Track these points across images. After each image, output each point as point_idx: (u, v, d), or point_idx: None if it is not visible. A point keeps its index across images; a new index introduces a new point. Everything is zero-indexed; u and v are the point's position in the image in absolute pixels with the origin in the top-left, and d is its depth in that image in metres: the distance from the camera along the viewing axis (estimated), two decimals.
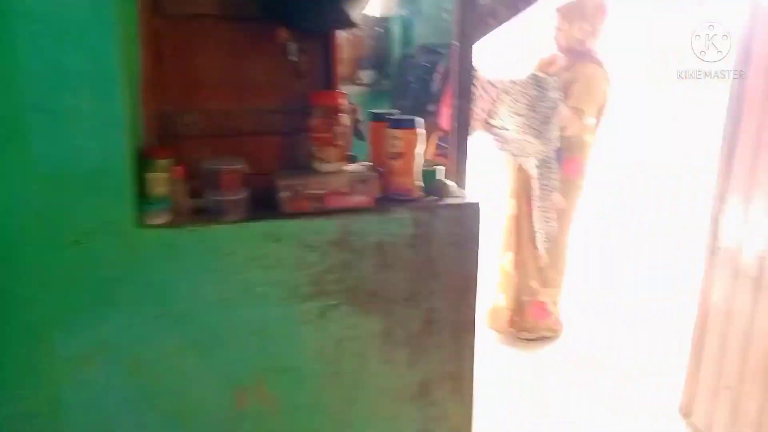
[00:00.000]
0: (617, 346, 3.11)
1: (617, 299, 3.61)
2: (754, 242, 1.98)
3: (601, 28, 2.90)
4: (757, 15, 1.91)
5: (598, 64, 2.92)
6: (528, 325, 3.16)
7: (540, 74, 2.65)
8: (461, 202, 1.57)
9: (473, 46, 1.67)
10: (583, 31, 2.87)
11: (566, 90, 2.82)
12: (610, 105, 2.94)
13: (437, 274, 1.56)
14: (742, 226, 2.03)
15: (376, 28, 2.84)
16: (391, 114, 1.59)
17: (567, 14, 2.86)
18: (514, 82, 2.59)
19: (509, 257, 3.13)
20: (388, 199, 1.53)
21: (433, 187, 1.59)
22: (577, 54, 2.92)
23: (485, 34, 1.81)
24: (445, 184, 1.60)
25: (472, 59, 1.69)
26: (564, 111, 2.72)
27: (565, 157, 2.92)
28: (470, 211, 1.57)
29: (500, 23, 1.82)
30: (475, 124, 2.70)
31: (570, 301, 3.34)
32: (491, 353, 3.05)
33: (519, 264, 3.11)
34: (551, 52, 2.98)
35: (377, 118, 1.61)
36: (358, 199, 1.47)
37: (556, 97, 2.60)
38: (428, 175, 1.59)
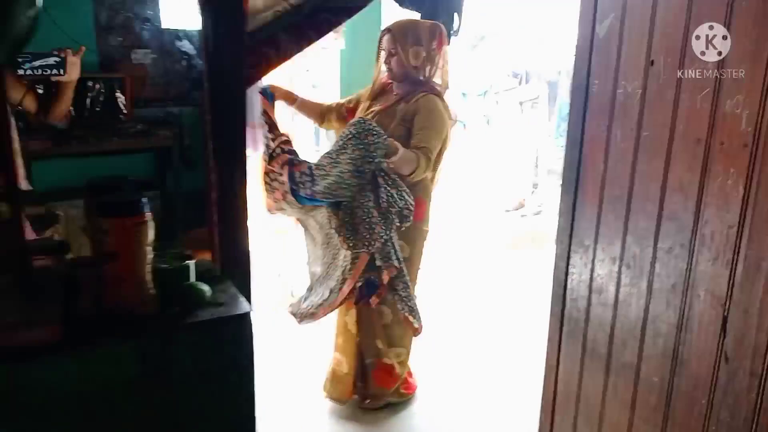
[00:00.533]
0: (473, 411, 2.79)
1: (472, 355, 3.30)
2: (603, 313, 1.70)
3: (439, 55, 2.56)
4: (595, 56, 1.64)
5: (438, 95, 2.57)
6: (372, 391, 2.75)
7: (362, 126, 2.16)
8: (221, 316, 1.09)
9: (245, 88, 1.21)
10: (418, 57, 2.51)
11: (405, 124, 2.45)
12: (451, 140, 2.61)
13: (183, 428, 1.06)
14: (588, 293, 1.75)
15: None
16: (109, 189, 1.07)
17: (398, 36, 2.48)
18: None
19: (351, 314, 2.69)
20: (101, 319, 1.01)
21: (178, 294, 1.09)
22: (413, 82, 2.56)
23: (264, 71, 1.35)
24: (197, 288, 1.10)
25: (244, 105, 1.22)
26: (407, 155, 2.30)
27: None
28: (235, 328, 1.09)
29: (285, 56, 1.37)
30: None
31: (420, 360, 2.99)
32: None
33: (362, 322, 2.68)
34: (381, 79, 2.61)
35: (91, 189, 1.09)
36: (34, 334, 0.93)
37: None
38: (171, 276, 1.09)
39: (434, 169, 2.70)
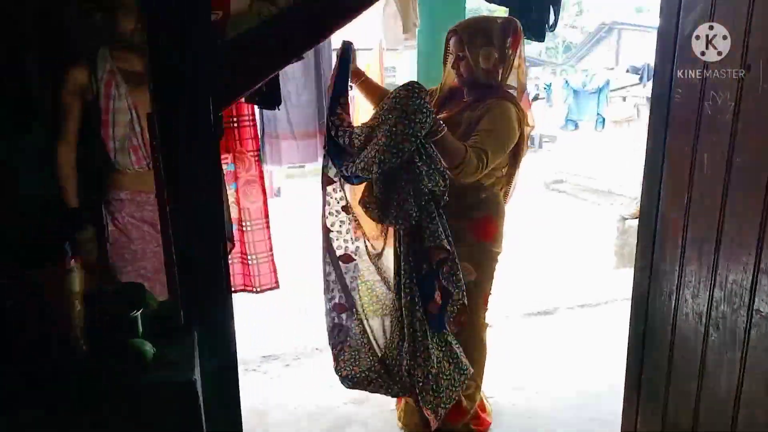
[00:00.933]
0: None
1: (561, 393, 2.92)
2: (686, 382, 1.35)
3: (514, 54, 2.26)
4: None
5: (511, 100, 2.27)
6: (441, 425, 2.52)
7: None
8: (156, 383, 0.93)
9: (221, 106, 1.06)
10: (489, 59, 2.22)
11: (470, 132, 2.19)
12: (525, 151, 2.30)
13: None
14: (668, 353, 1.40)
15: None
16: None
17: (466, 37, 2.21)
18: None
19: None
20: (17, 382, 0.90)
21: (116, 353, 0.96)
22: (485, 88, 2.28)
23: (250, 85, 1.18)
24: (137, 348, 0.96)
25: (212, 126, 1.06)
26: (452, 143, 2.04)
27: (475, 217, 2.28)
28: (175, 397, 0.94)
29: (275, 66, 1.18)
30: None
31: (499, 392, 2.71)
32: None
33: None
34: (451, 84, 2.36)
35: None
36: None
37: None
38: (109, 331, 0.97)
39: (507, 183, 2.41)
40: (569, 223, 6.59)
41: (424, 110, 1.82)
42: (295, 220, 6.92)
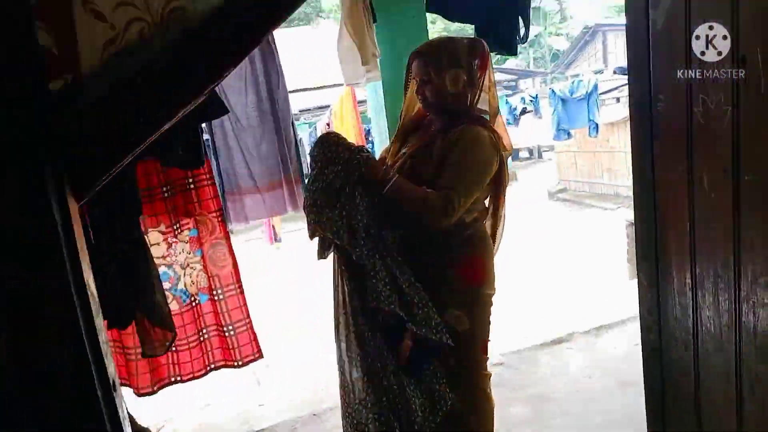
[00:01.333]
0: None
1: (568, 428, 2.61)
2: None
3: (483, 76, 2.04)
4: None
5: (485, 126, 2.03)
6: None
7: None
8: None
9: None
10: (458, 82, 1.99)
11: (441, 162, 1.95)
12: (507, 179, 2.06)
13: None
14: (695, 409, 1.13)
15: None
16: None
17: (431, 59, 1.99)
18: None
19: None
20: None
21: None
22: (454, 113, 2.05)
23: (118, 160, 0.91)
24: None
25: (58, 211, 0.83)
26: (410, 192, 1.83)
27: (460, 259, 2.02)
28: None
29: (151, 130, 0.92)
30: None
31: None
32: None
33: None
34: (415, 113, 2.14)
35: None
36: None
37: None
38: None
39: (494, 215, 2.16)
40: (576, 234, 6.31)
41: (338, 159, 1.77)
42: (299, 268, 6.68)
